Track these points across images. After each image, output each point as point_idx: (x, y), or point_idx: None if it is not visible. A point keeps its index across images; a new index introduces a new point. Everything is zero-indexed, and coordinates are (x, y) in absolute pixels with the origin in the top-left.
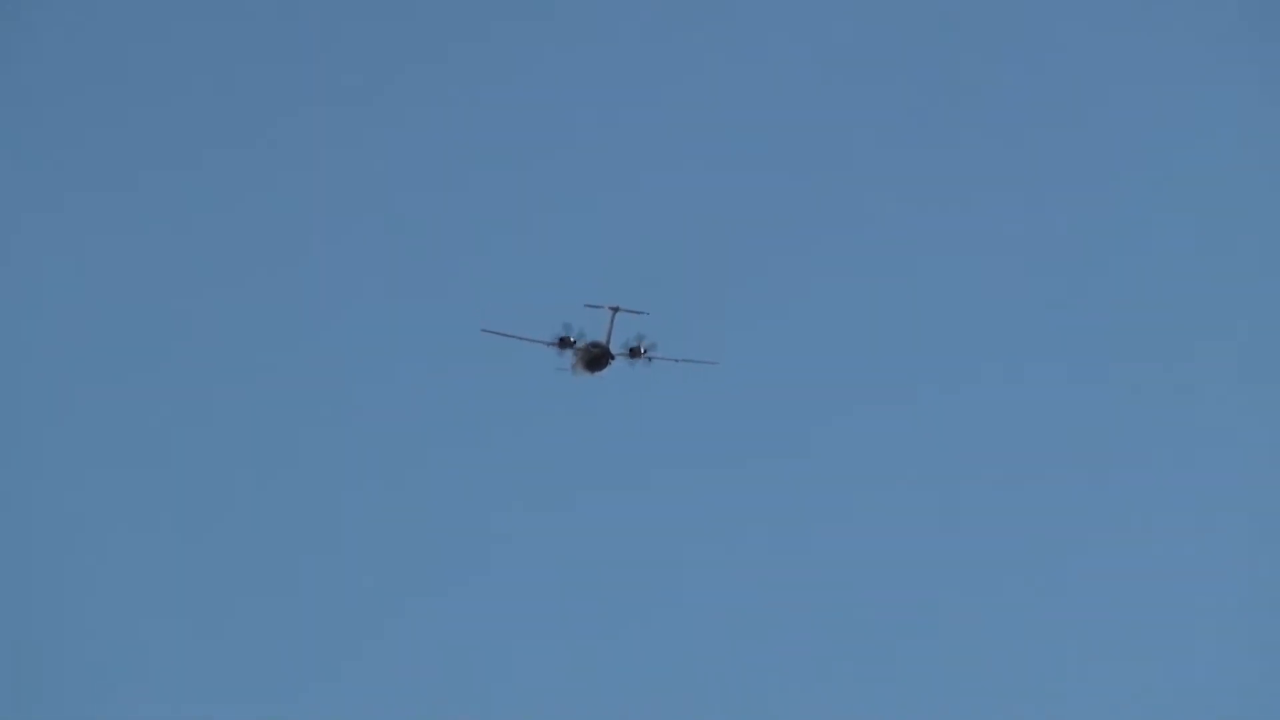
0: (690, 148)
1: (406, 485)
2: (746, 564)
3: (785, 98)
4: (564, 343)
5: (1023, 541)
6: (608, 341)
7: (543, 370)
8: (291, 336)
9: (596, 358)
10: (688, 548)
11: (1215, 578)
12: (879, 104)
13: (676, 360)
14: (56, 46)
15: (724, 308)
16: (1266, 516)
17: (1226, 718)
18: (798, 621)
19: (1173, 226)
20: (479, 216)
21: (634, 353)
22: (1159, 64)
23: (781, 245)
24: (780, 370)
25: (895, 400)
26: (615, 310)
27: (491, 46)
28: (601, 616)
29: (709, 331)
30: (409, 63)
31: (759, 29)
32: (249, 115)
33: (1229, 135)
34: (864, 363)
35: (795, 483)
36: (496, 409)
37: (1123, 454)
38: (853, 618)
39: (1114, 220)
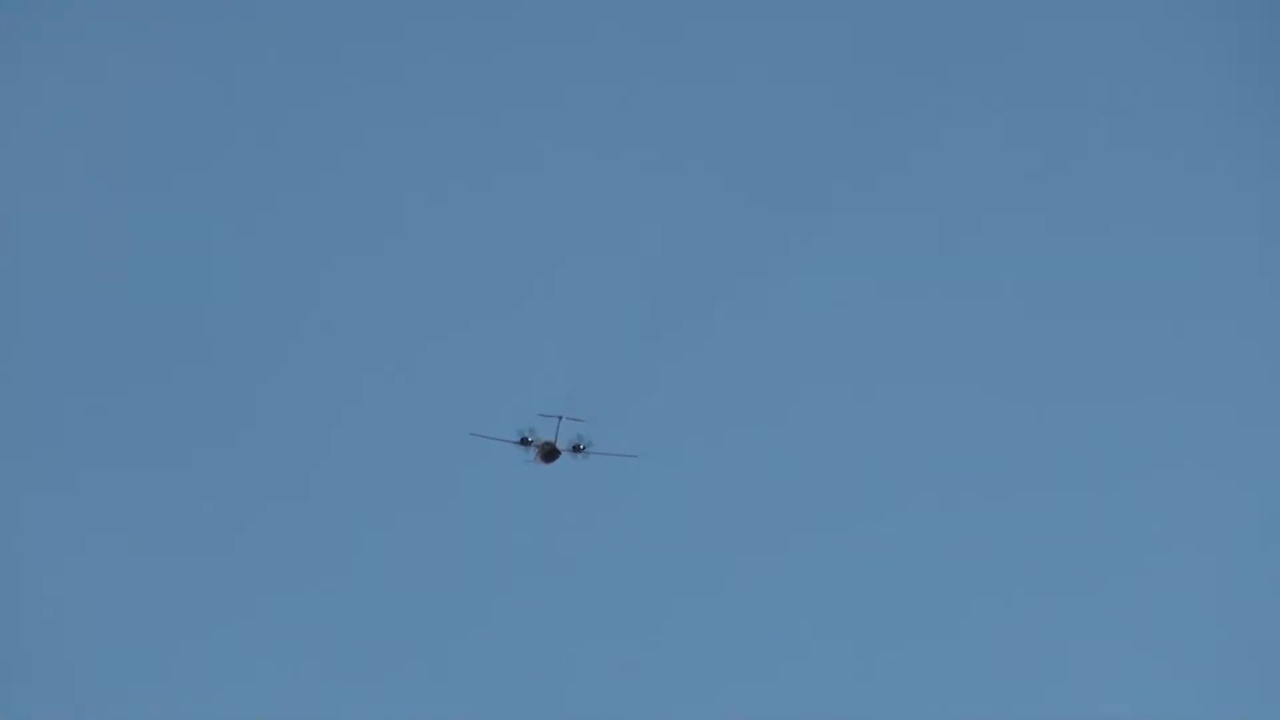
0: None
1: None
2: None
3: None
4: (524, 441)
5: (1017, 549)
6: (555, 440)
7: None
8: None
9: (548, 453)
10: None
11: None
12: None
13: (605, 454)
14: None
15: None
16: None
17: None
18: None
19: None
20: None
21: (575, 449)
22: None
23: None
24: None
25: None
26: (560, 418)
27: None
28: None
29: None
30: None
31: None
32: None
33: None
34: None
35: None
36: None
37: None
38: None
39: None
